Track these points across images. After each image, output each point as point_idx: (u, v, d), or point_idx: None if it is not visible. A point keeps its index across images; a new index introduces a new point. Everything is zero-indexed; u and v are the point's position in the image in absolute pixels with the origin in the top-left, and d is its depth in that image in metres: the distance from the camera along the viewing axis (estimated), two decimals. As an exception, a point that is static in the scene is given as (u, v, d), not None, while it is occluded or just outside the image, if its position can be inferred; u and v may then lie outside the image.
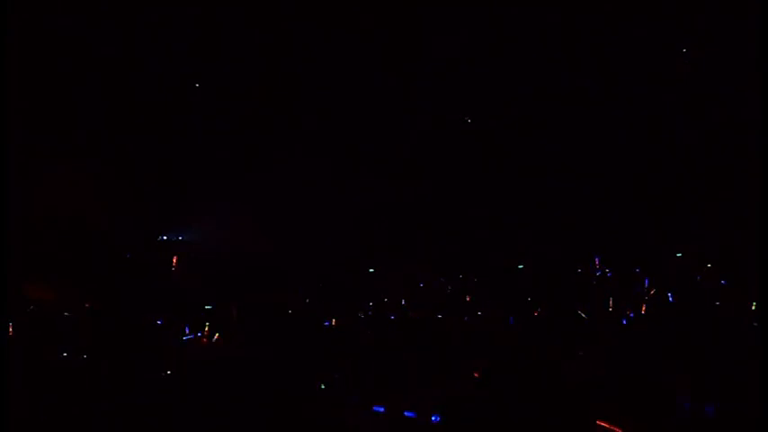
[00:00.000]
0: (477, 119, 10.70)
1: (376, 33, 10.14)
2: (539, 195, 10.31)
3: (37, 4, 8.94)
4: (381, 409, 6.37)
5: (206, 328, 8.34)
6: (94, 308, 8.63)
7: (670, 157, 9.74)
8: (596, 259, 9.63)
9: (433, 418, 6.18)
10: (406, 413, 6.28)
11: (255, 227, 10.01)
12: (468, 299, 9.25)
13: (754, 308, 7.58)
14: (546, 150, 10.44)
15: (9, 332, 6.94)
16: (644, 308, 8.63)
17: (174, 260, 9.83)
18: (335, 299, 9.25)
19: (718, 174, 9.36)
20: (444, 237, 10.20)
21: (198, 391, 6.89)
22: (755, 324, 7.25)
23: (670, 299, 8.71)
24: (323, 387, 7.04)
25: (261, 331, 8.32)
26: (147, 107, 10.14)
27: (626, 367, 6.89)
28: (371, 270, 9.90)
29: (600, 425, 5.92)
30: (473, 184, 10.53)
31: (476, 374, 6.85)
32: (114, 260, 9.57)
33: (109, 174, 10.00)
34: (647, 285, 8.91)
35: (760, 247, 7.34)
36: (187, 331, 8.29)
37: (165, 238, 10.18)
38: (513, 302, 8.89)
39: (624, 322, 8.38)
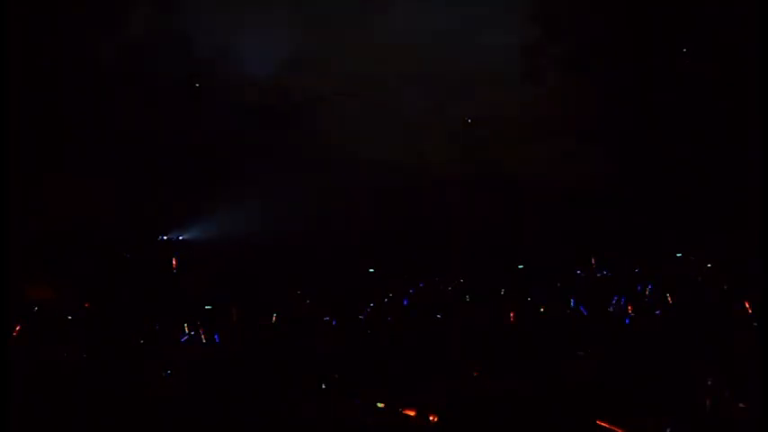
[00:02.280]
0: (475, 118, 10.73)
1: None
2: (539, 195, 10.34)
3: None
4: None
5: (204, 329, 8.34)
6: (94, 308, 8.62)
7: (670, 157, 9.75)
8: (594, 260, 9.64)
9: None
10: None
11: (255, 227, 10.03)
12: (467, 299, 9.24)
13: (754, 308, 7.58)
14: (545, 149, 10.47)
15: (9, 332, 6.92)
16: (644, 308, 8.62)
17: (174, 261, 9.82)
18: (335, 299, 9.24)
19: (718, 174, 9.36)
20: (444, 237, 10.21)
21: (197, 392, 6.89)
22: (755, 324, 7.25)
23: (669, 299, 8.70)
24: (323, 387, 7.04)
25: (261, 331, 8.32)
26: (146, 107, 10.16)
27: (626, 367, 6.89)
28: (371, 270, 9.90)
29: (600, 425, 5.92)
30: (473, 185, 10.56)
31: (475, 374, 6.85)
32: (114, 260, 9.56)
33: (109, 174, 10.01)
34: (650, 288, 8.90)
35: (760, 248, 7.35)
36: (187, 331, 8.28)
37: (164, 238, 10.18)
38: (513, 303, 8.88)
39: (627, 321, 8.38)
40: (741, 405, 5.74)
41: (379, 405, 6.26)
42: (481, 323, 8.56)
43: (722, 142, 9.29)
